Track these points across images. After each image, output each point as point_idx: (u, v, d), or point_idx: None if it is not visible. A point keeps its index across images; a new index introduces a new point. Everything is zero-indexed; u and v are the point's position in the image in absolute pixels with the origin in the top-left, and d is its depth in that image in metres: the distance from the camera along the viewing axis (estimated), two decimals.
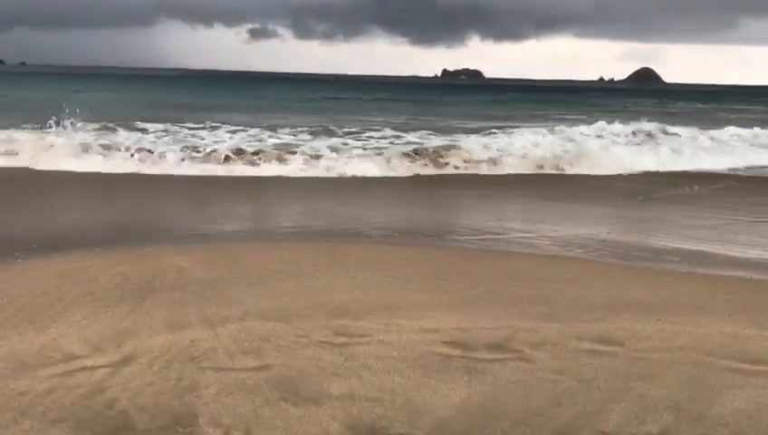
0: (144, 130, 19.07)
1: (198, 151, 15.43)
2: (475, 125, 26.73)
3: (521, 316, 5.47)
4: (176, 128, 19.96)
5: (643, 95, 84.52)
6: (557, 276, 6.85)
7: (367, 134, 20.61)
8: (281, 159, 15.36)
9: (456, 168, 15.90)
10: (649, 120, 22.20)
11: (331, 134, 20.25)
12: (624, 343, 4.92)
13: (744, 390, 4.14)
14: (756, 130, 22.87)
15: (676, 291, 6.53)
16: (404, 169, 15.41)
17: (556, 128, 21.01)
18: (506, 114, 37.63)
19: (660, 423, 3.68)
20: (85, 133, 16.75)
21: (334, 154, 15.84)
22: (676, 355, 4.68)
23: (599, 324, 5.30)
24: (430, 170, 15.60)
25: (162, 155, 15.03)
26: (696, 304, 6.08)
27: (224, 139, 17.76)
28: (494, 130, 21.64)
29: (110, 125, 19.07)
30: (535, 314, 5.55)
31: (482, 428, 3.63)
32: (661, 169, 16.95)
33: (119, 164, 14.53)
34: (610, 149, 18.11)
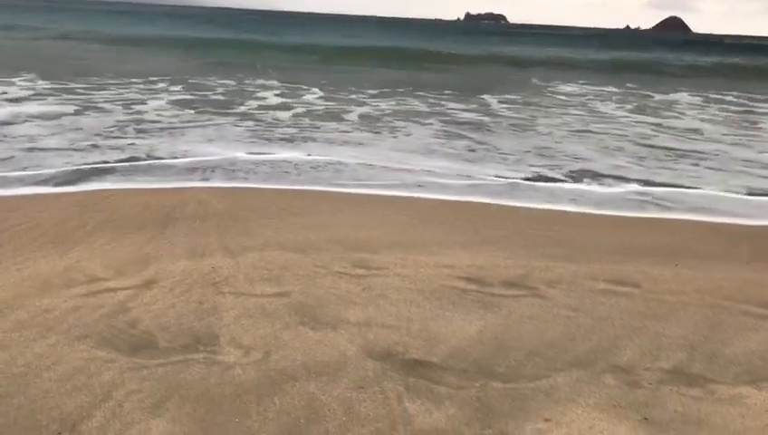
0: None
1: None
2: None
3: (538, 257, 5.49)
4: None
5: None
6: (576, 223, 6.85)
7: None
8: None
9: None
10: None
11: None
12: (640, 284, 4.93)
13: (759, 332, 4.16)
14: None
15: (695, 239, 6.52)
16: None
17: None
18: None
19: (674, 360, 3.72)
20: None
21: None
22: (692, 298, 4.69)
23: (616, 267, 5.31)
24: None
25: None
26: (715, 252, 6.07)
27: None
28: None
29: None
30: (553, 254, 5.57)
31: (496, 357, 3.69)
32: None
33: None
34: None
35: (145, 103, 14.41)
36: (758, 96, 23.58)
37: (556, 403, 3.25)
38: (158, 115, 12.94)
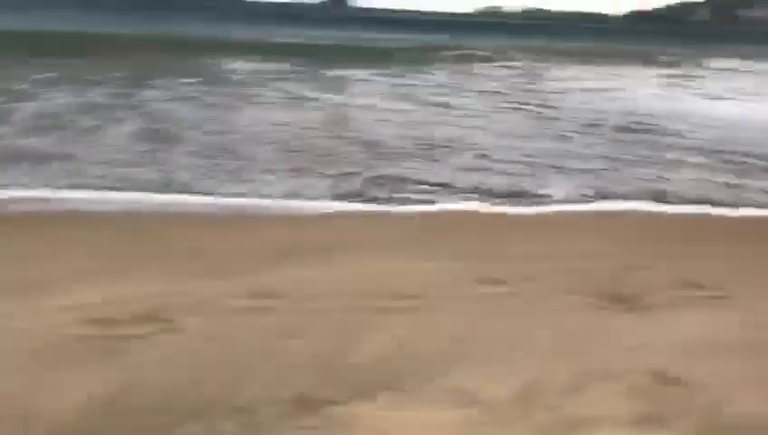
0: None
1: None
2: None
3: (178, 277, 5.17)
4: None
5: None
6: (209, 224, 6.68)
7: None
8: None
9: None
10: None
11: None
12: (288, 294, 4.87)
13: (383, 331, 4.31)
14: None
15: (350, 230, 6.74)
16: None
17: None
18: None
19: (297, 386, 3.67)
20: None
21: None
22: (333, 303, 4.74)
23: (262, 276, 5.22)
24: None
25: None
26: (370, 241, 6.31)
27: None
28: None
29: None
30: (195, 271, 5.29)
31: (109, 426, 3.31)
32: None
33: None
34: None
35: None
36: None
37: None
38: None
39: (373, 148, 11.03)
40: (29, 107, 13.10)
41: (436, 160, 10.38)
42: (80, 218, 6.96)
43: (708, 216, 8.25)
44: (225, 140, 11.04)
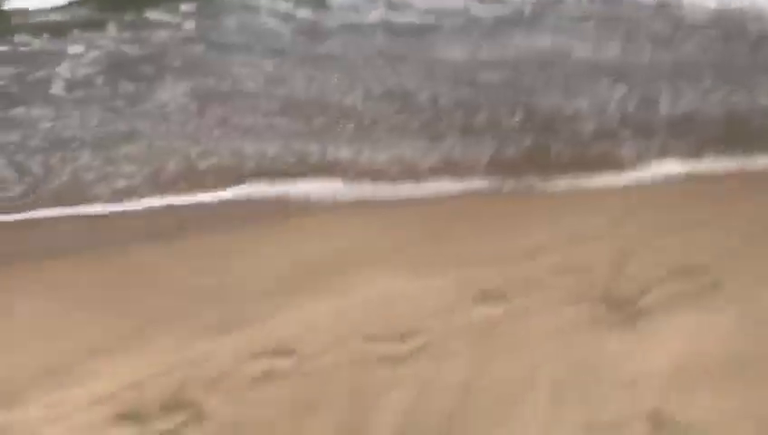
0: None
1: None
2: None
3: (191, 332, 5.32)
4: None
5: None
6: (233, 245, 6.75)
7: None
8: None
9: None
10: None
11: None
12: (296, 347, 5.02)
13: (394, 391, 4.56)
14: None
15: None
16: None
17: None
18: None
19: None
20: None
21: None
22: (341, 356, 4.91)
23: (268, 324, 5.36)
24: None
25: None
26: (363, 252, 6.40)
27: None
28: None
29: None
30: (208, 324, 5.41)
31: None
32: None
33: None
34: None
35: None
36: None
37: None
38: None
39: None
40: None
41: None
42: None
43: None
44: None
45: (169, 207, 7.15)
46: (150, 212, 7.04)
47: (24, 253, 6.89)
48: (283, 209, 7.39)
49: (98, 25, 9.64)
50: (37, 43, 9.53)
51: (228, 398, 4.64)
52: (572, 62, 8.74)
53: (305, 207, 7.16)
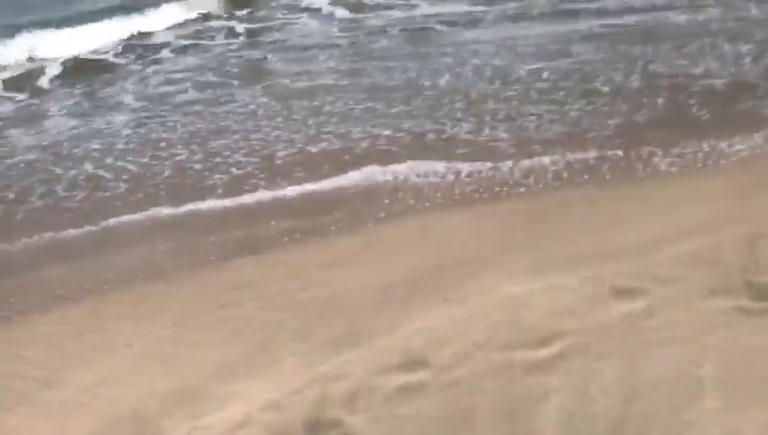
0: None
1: None
2: None
3: (316, 348, 5.20)
4: None
5: None
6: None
7: None
8: None
9: None
10: None
11: None
12: (428, 359, 4.83)
13: (547, 400, 4.34)
14: None
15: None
16: None
17: None
18: None
19: None
20: None
21: None
22: (477, 365, 4.71)
23: (395, 334, 5.21)
24: None
25: None
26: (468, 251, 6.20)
27: None
28: None
29: None
30: (334, 339, 5.30)
31: None
32: None
33: None
34: None
35: None
36: None
37: None
38: None
39: None
40: None
41: None
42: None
43: None
44: None
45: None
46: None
47: (112, 279, 6.90)
48: (374, 213, 7.30)
49: None
50: None
51: (371, 415, 4.47)
52: None
53: (402, 211, 7.03)
